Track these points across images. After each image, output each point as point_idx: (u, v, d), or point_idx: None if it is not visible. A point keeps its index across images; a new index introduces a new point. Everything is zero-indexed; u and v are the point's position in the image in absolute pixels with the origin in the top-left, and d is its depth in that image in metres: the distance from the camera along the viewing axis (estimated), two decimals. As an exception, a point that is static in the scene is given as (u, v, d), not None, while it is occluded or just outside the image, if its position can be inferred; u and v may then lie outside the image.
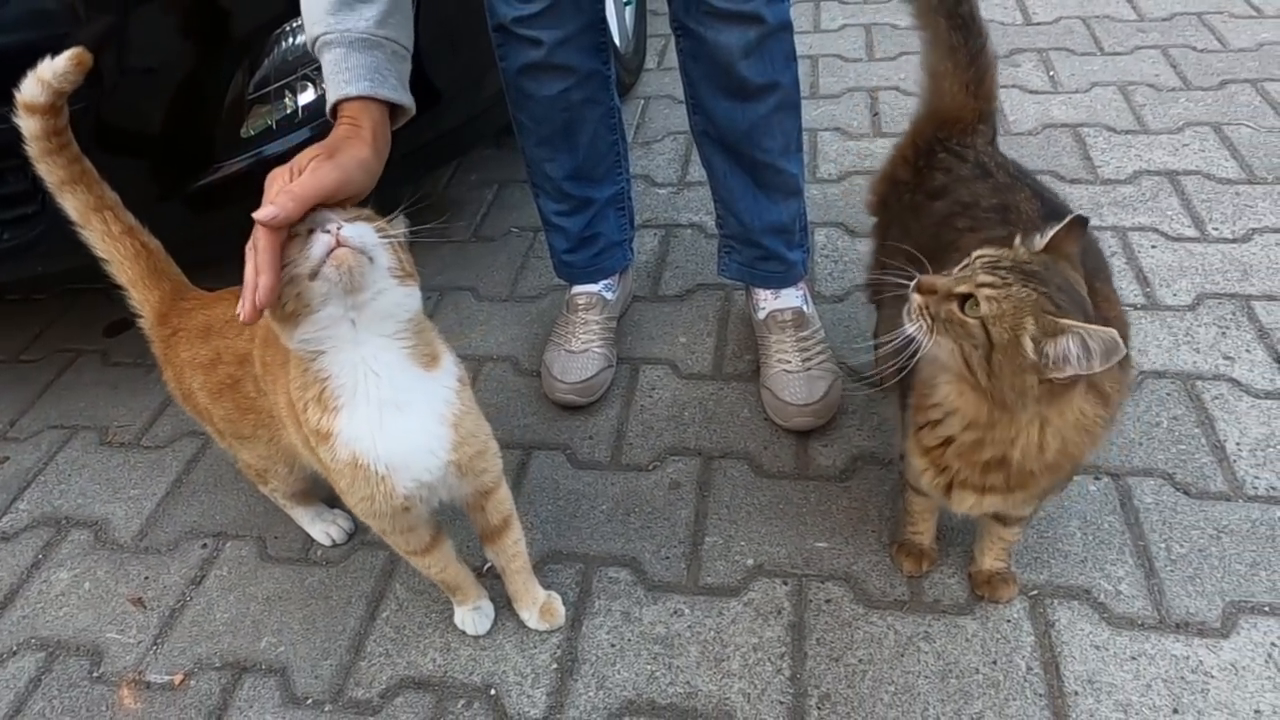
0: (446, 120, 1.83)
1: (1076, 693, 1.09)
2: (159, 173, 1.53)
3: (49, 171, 1.12)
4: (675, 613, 1.25)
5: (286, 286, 0.84)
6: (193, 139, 1.53)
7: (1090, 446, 0.90)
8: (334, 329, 0.88)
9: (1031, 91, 2.34)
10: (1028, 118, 2.24)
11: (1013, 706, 1.09)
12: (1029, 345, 0.79)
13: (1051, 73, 2.41)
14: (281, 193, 0.83)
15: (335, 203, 0.88)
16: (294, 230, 0.84)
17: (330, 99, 0.96)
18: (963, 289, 0.82)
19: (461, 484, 1.05)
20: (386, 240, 0.88)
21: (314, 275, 0.83)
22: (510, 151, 2.36)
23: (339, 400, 0.93)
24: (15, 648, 1.31)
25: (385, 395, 0.93)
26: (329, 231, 0.83)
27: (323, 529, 1.40)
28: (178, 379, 1.22)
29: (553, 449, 1.53)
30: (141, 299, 1.22)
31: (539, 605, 1.24)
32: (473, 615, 1.24)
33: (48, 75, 1.03)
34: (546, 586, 1.27)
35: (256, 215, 0.82)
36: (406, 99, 0.99)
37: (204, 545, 1.44)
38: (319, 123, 1.59)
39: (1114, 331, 0.75)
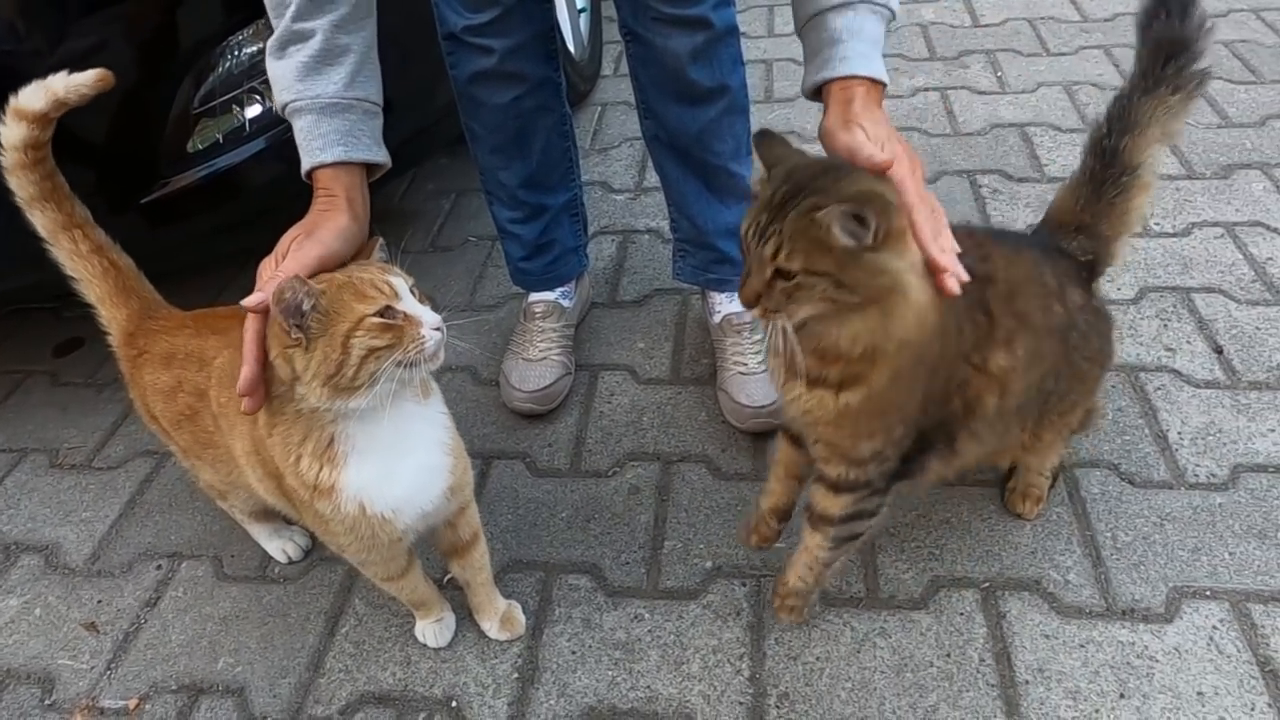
0: (399, 131, 1.81)
1: (1028, 681, 1.12)
2: (105, 188, 1.50)
3: (20, 186, 1.11)
4: (635, 618, 1.25)
5: (369, 360, 0.85)
6: (138, 154, 1.51)
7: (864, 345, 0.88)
8: (383, 399, 0.88)
9: (980, 92, 2.39)
10: (976, 118, 2.28)
11: (966, 698, 1.11)
12: (839, 236, 0.78)
13: (999, 74, 2.46)
14: (270, 280, 0.86)
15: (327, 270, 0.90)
16: (375, 309, 0.86)
17: (305, 166, 0.98)
18: (762, 276, 0.83)
19: (450, 505, 1.06)
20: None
21: (412, 365, 0.87)
22: (466, 161, 2.35)
23: (345, 451, 0.93)
24: (-37, 678, 1.28)
25: (394, 440, 0.94)
26: (439, 330, 0.88)
27: (279, 546, 1.39)
28: (142, 400, 1.21)
29: (512, 458, 1.52)
30: (109, 317, 1.20)
31: (500, 615, 1.24)
32: (434, 627, 1.24)
33: (59, 86, 1.03)
34: (507, 595, 1.27)
35: (245, 303, 0.85)
36: (381, 156, 1.02)
37: (158, 566, 1.42)
38: (271, 135, 1.57)
39: (872, 191, 0.78)
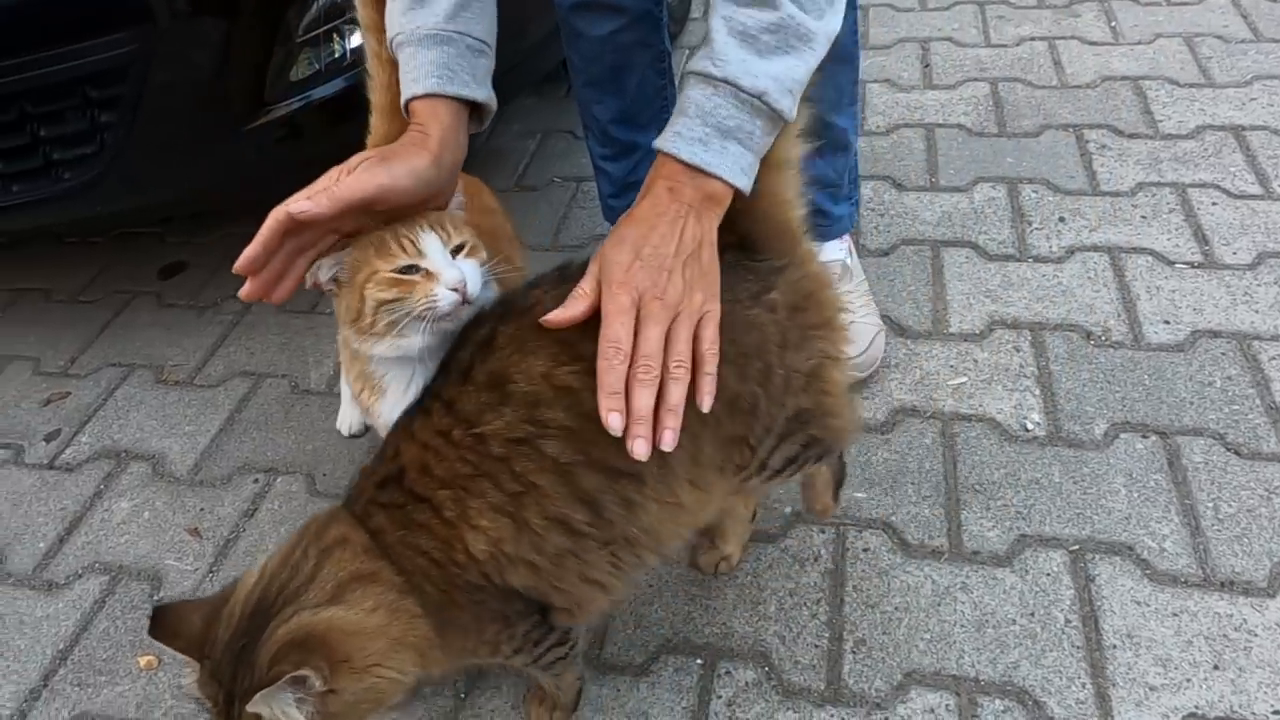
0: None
1: (1115, 646, 1.09)
2: (212, 116, 1.55)
3: None
4: (713, 557, 1.26)
5: (381, 311, 0.86)
6: (244, 81, 1.54)
7: None
8: (409, 349, 0.89)
9: (1091, 43, 2.26)
10: (1086, 70, 2.16)
11: (1050, 657, 1.09)
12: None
13: (1113, 23, 2.32)
14: (321, 191, 0.83)
15: (383, 209, 0.87)
16: (394, 266, 0.85)
17: (403, 98, 0.94)
18: None
19: None
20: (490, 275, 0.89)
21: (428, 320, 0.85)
22: (552, 101, 2.35)
23: (383, 386, 0.96)
24: (80, 571, 1.37)
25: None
26: (457, 291, 0.85)
27: (352, 417, 1.48)
28: None
29: (593, 396, 1.54)
30: (375, 126, 1.17)
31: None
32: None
33: None
34: (587, 528, 1.29)
35: (290, 205, 0.82)
36: (482, 94, 0.95)
37: (256, 480, 1.49)
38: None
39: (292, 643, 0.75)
